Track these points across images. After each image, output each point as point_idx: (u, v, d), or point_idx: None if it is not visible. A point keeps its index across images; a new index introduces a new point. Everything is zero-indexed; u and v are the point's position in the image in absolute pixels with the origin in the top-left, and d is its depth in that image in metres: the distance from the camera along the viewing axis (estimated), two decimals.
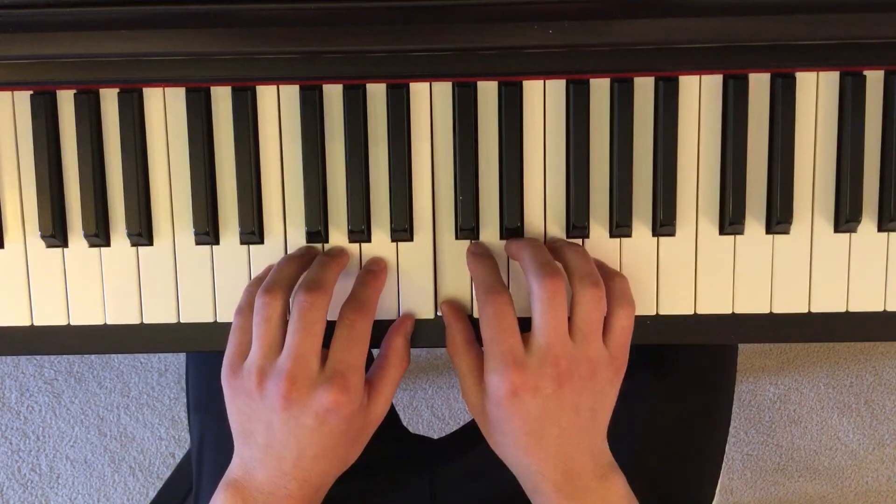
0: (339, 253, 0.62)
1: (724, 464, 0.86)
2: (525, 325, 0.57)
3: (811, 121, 0.62)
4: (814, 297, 0.63)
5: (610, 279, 0.58)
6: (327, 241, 0.63)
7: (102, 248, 0.63)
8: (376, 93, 0.61)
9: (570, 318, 0.56)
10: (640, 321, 0.61)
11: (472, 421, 0.85)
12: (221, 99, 0.61)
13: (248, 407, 0.57)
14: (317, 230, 0.62)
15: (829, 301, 0.63)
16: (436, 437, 0.90)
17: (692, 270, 0.63)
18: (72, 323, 0.63)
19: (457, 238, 0.63)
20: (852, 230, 0.62)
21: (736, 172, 0.61)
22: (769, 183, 0.62)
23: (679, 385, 0.78)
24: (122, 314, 0.63)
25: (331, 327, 0.57)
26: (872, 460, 1.49)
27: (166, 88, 0.62)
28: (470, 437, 0.83)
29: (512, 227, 0.62)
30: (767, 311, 0.63)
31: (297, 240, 0.63)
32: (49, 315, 0.63)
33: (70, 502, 1.48)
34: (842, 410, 1.50)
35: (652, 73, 0.61)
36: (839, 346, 1.52)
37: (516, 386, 0.54)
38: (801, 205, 0.62)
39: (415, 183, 0.62)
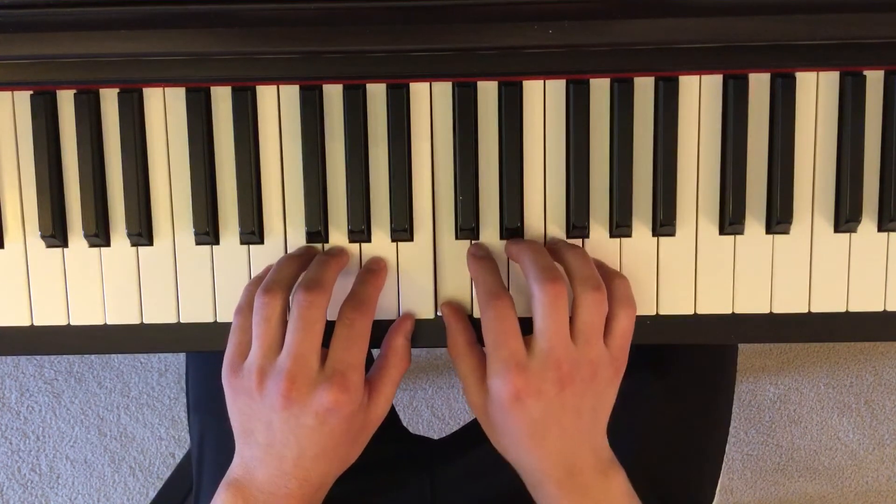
0: (339, 252, 0.62)
1: (724, 464, 0.86)
2: (526, 325, 0.57)
3: (811, 121, 0.62)
4: (814, 297, 0.63)
5: (611, 280, 0.58)
6: (327, 241, 0.63)
7: (102, 248, 0.63)
8: (376, 93, 0.61)
9: (571, 321, 0.56)
10: (640, 321, 0.61)
11: (472, 421, 0.85)
12: (221, 99, 0.61)
13: (248, 406, 0.57)
14: (317, 230, 0.62)
15: (829, 301, 0.63)
16: (436, 437, 0.90)
17: (692, 270, 0.63)
18: (72, 323, 0.63)
19: (457, 238, 0.63)
20: (852, 230, 0.62)
21: (736, 172, 0.61)
22: (769, 183, 0.62)
23: (679, 385, 0.78)
24: (122, 314, 0.63)
25: (330, 327, 0.57)
26: (872, 460, 1.49)
27: (166, 88, 0.62)
28: (470, 438, 0.83)
29: (512, 228, 0.62)
30: (767, 311, 0.63)
31: (297, 240, 0.63)
32: (49, 315, 0.63)
33: (70, 502, 1.48)
34: (842, 410, 1.50)
35: (652, 73, 0.61)
36: (839, 346, 1.52)
37: (519, 390, 0.55)
38: (801, 205, 0.62)
39: (415, 183, 0.62)
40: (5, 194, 0.63)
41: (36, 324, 0.64)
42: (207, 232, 0.62)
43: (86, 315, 0.63)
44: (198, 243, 0.63)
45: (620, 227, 0.61)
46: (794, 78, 0.61)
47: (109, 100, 0.62)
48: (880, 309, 0.63)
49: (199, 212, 0.62)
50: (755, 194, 0.62)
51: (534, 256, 0.58)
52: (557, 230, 0.62)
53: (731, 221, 0.61)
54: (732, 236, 0.62)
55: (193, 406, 0.83)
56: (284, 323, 0.57)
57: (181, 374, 1.51)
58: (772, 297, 0.63)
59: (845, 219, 0.61)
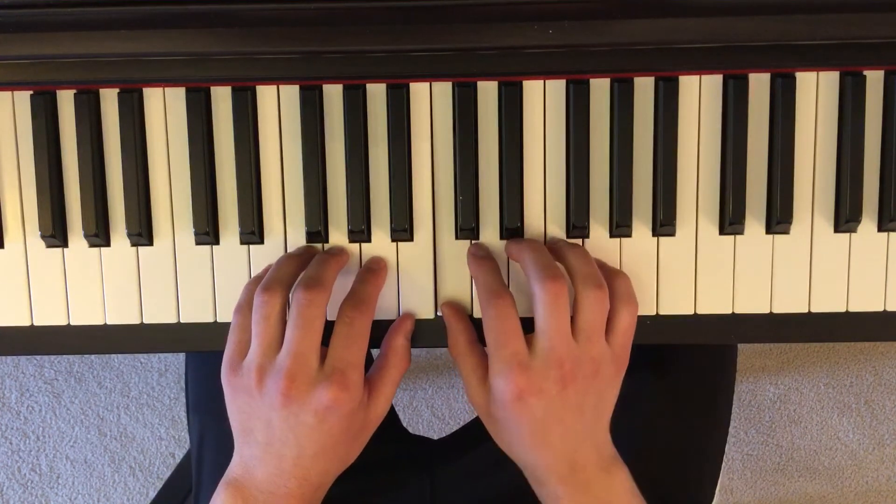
0: (339, 252, 0.62)
1: (724, 464, 0.86)
2: (527, 325, 0.57)
3: (811, 121, 0.62)
4: (814, 297, 0.63)
5: (612, 278, 0.58)
6: (327, 241, 0.63)
7: (102, 248, 0.63)
8: (376, 93, 0.61)
9: (572, 319, 0.56)
10: (640, 321, 0.61)
11: (472, 421, 0.85)
12: (221, 99, 0.61)
13: (247, 405, 0.57)
14: (317, 230, 0.62)
15: (829, 301, 0.63)
16: (436, 437, 0.90)
17: (692, 270, 0.63)
18: (72, 323, 0.63)
19: (457, 238, 0.63)
20: (852, 230, 0.62)
21: (736, 172, 0.61)
22: (769, 183, 0.62)
23: (679, 385, 0.78)
24: (122, 314, 0.63)
25: (330, 326, 0.57)
26: (872, 460, 1.49)
27: (166, 88, 0.62)
28: (470, 438, 0.83)
29: (512, 228, 0.62)
30: (767, 311, 0.63)
31: (297, 240, 0.63)
32: (49, 315, 0.63)
33: (70, 502, 1.48)
34: (842, 410, 1.50)
35: (652, 73, 0.61)
36: (839, 346, 1.52)
37: (521, 389, 0.55)
38: (801, 205, 0.62)
39: (415, 183, 0.62)
40: (5, 194, 0.63)
41: (36, 324, 0.64)
42: (207, 232, 0.62)
43: (86, 315, 0.63)
44: (198, 243, 0.63)
45: (620, 227, 0.61)
46: (794, 78, 0.61)
47: (109, 100, 0.62)
48: (880, 309, 0.63)
49: (199, 212, 0.62)
50: (755, 194, 0.62)
51: (534, 255, 0.58)
52: (557, 230, 0.62)
53: (731, 221, 0.61)
54: (732, 236, 0.62)
55: (193, 406, 0.83)
56: (284, 321, 0.57)
57: (181, 374, 1.51)
58: (772, 297, 0.63)
59: (845, 219, 0.61)
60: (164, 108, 0.62)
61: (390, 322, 0.62)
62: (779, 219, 0.61)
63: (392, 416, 0.89)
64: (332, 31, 0.58)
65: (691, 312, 0.63)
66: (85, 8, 0.58)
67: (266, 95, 0.62)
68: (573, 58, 0.60)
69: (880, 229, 0.62)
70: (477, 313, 0.62)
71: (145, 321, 0.63)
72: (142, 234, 0.62)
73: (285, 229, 0.63)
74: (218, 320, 0.63)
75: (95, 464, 1.49)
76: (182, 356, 1.47)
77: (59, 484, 1.49)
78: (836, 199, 0.62)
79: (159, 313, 0.63)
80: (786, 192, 0.61)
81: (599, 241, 0.62)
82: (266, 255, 0.63)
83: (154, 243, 0.63)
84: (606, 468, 0.58)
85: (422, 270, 0.63)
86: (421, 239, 0.63)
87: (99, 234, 0.62)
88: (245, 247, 0.63)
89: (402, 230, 0.62)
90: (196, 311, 0.63)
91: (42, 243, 0.63)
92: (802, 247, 0.63)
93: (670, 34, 0.58)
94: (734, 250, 0.63)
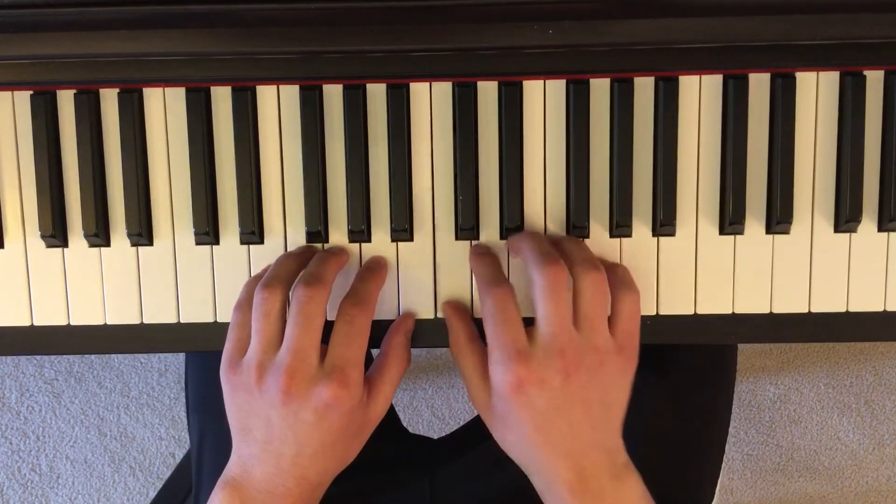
0: (339, 251, 0.62)
1: (724, 464, 0.86)
2: (528, 325, 0.57)
3: (811, 121, 0.62)
4: (814, 297, 0.63)
5: (611, 268, 0.58)
6: (327, 241, 0.63)
7: (102, 248, 0.63)
8: (376, 93, 0.61)
9: (574, 308, 0.56)
10: (640, 321, 0.61)
11: (472, 421, 0.85)
12: (221, 99, 0.61)
13: (247, 403, 0.57)
14: (317, 230, 0.62)
15: (829, 301, 0.63)
16: (436, 437, 0.90)
17: (692, 270, 0.63)
18: (72, 323, 0.63)
19: (457, 238, 0.63)
20: (852, 230, 0.62)
21: (736, 172, 0.61)
22: (769, 183, 0.62)
23: (679, 385, 0.78)
24: (122, 314, 0.63)
25: (329, 325, 0.57)
26: (872, 460, 1.49)
27: (166, 88, 0.62)
28: (470, 438, 0.83)
29: (512, 227, 0.62)
30: (767, 311, 0.63)
31: (298, 240, 0.63)
32: (49, 315, 0.63)
33: (70, 502, 1.48)
34: (842, 410, 1.50)
35: (652, 73, 0.61)
36: (839, 346, 1.52)
37: (521, 378, 0.53)
38: (801, 205, 0.62)
39: (415, 183, 0.62)
40: (5, 194, 0.63)
41: (36, 324, 0.64)
42: (207, 232, 0.62)
43: (86, 315, 0.63)
44: (198, 243, 0.63)
45: (620, 227, 0.61)
46: (794, 78, 0.61)
47: (109, 100, 0.62)
48: (880, 309, 0.63)
49: (199, 212, 0.62)
50: (755, 194, 0.62)
51: (532, 244, 0.57)
52: (557, 230, 0.62)
53: (731, 221, 0.61)
54: (732, 236, 0.62)
55: (193, 406, 0.83)
56: (284, 319, 0.57)
57: (181, 374, 1.51)
58: (772, 297, 0.63)
59: (845, 219, 0.61)
60: (164, 108, 0.62)
61: (390, 322, 0.62)
62: (779, 219, 0.61)
63: (392, 415, 0.89)
64: (332, 31, 0.58)
65: (691, 312, 0.63)
66: (85, 8, 0.58)
67: (266, 95, 0.62)
68: (573, 58, 0.60)
69: (880, 229, 0.62)
70: (478, 313, 0.62)
71: (145, 321, 0.63)
72: (142, 234, 0.62)
73: (285, 229, 0.63)
74: (218, 320, 0.63)
75: (95, 464, 1.49)
76: (182, 356, 1.47)
77: (59, 484, 1.49)
78: (836, 199, 0.62)
79: (159, 313, 0.63)
80: (786, 192, 0.61)
81: (599, 240, 0.62)
82: (266, 255, 0.63)
83: (154, 243, 0.63)
84: (619, 475, 0.56)
85: (422, 270, 0.63)
86: (421, 239, 0.63)
87: (99, 234, 0.62)
88: (245, 247, 0.63)
89: (402, 230, 0.62)
90: (196, 311, 0.63)
91: (42, 243, 0.63)
92: (802, 247, 0.63)
93: (670, 34, 0.58)
94: (734, 250, 0.63)
